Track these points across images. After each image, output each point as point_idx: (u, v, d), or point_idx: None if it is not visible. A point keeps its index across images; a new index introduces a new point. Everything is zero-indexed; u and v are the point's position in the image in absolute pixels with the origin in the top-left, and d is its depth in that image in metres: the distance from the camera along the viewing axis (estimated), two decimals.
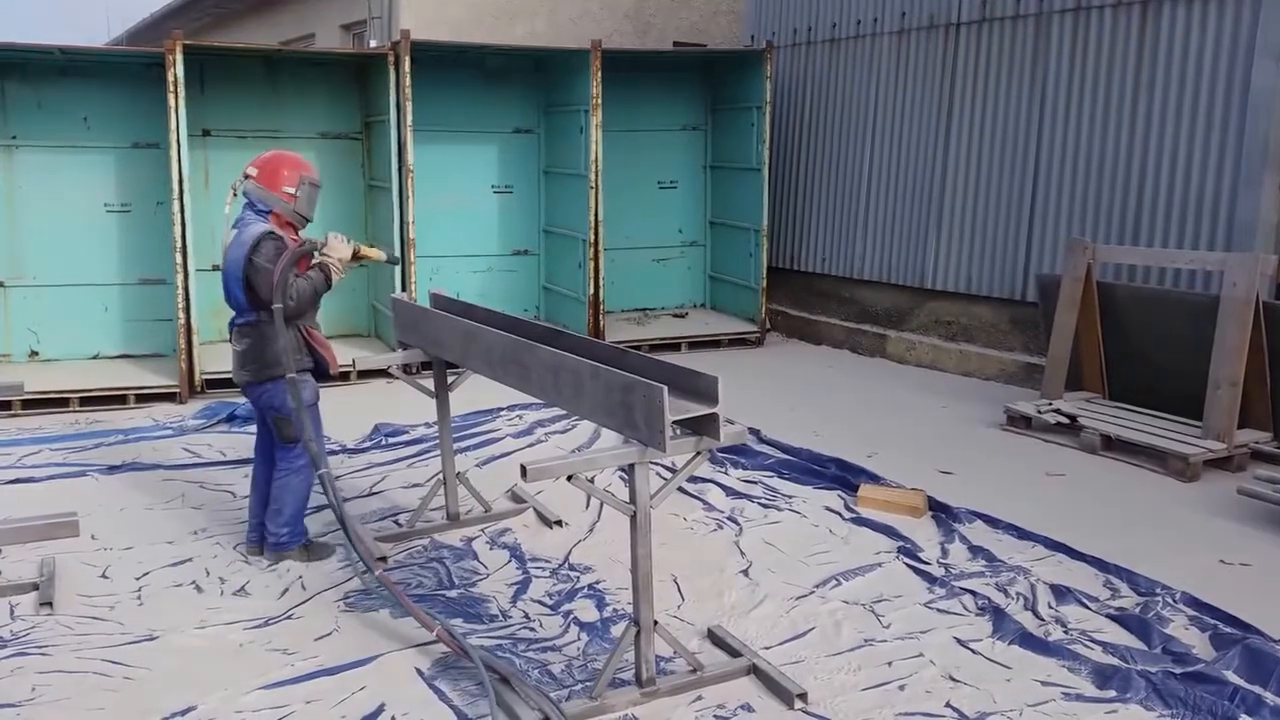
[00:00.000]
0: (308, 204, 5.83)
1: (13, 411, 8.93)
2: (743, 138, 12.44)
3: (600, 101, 11.05)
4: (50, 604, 5.31)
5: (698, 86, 12.96)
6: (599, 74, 10.99)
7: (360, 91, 11.31)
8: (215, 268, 10.47)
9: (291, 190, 5.76)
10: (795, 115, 12.89)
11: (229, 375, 9.47)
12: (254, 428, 8.31)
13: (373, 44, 14.81)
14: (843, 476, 7.24)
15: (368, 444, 8.12)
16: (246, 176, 5.78)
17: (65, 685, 4.60)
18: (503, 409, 8.78)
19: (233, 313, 5.83)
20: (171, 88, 9.32)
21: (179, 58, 9.31)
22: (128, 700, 4.49)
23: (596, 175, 11.15)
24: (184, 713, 4.39)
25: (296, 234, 5.79)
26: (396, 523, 6.54)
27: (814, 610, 5.37)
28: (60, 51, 9.69)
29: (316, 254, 5.74)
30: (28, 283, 10.17)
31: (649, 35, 16.01)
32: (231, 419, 8.70)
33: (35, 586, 5.48)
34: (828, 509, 6.76)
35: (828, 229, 12.51)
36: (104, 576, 5.73)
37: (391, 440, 8.20)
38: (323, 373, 5.93)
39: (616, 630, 5.13)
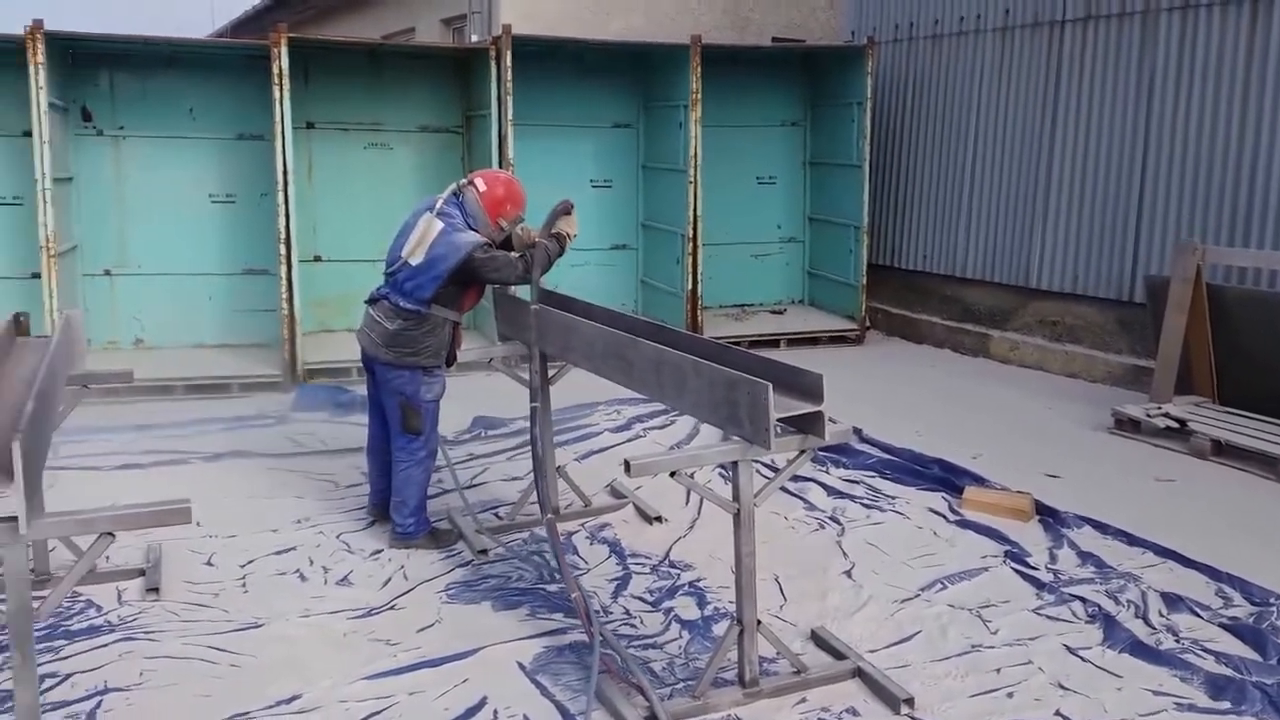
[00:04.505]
0: (500, 239, 5.98)
1: (119, 398, 9.08)
2: (843, 134, 12.29)
3: (700, 97, 10.98)
4: (157, 590, 5.39)
5: (797, 83, 12.84)
6: (699, 69, 10.93)
7: (461, 86, 11.35)
8: (317, 259, 10.76)
9: (506, 225, 5.96)
10: (896, 111, 12.70)
11: (332, 365, 9.73)
12: (354, 418, 8.42)
13: (474, 38, 14.91)
14: (946, 478, 7.09)
15: (467, 436, 8.15)
16: (471, 183, 5.91)
17: (172, 671, 4.65)
18: (600, 404, 8.75)
19: (373, 288, 6.04)
20: (276, 80, 9.43)
21: (284, 50, 9.42)
22: (234, 687, 4.53)
23: (695, 170, 11.10)
24: (289, 700, 4.42)
25: None
26: (496, 515, 6.55)
27: (919, 614, 5.27)
28: (167, 43, 9.85)
29: (557, 225, 5.97)
30: (134, 271, 10.37)
31: (747, 31, 15.91)
32: (334, 408, 8.77)
33: (142, 572, 5.57)
34: (931, 510, 6.63)
35: (929, 226, 12.32)
36: (209, 564, 5.80)
37: (491, 433, 8.21)
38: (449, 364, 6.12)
39: (718, 629, 5.08)
